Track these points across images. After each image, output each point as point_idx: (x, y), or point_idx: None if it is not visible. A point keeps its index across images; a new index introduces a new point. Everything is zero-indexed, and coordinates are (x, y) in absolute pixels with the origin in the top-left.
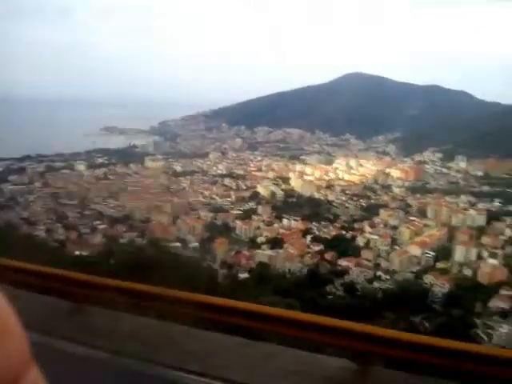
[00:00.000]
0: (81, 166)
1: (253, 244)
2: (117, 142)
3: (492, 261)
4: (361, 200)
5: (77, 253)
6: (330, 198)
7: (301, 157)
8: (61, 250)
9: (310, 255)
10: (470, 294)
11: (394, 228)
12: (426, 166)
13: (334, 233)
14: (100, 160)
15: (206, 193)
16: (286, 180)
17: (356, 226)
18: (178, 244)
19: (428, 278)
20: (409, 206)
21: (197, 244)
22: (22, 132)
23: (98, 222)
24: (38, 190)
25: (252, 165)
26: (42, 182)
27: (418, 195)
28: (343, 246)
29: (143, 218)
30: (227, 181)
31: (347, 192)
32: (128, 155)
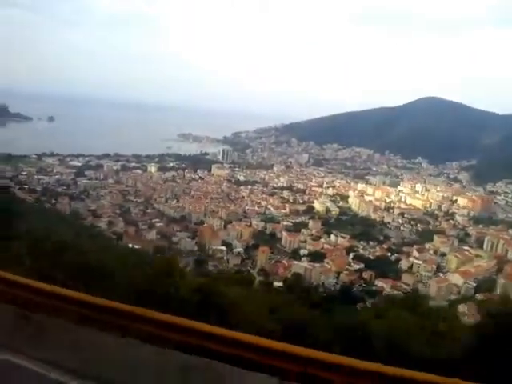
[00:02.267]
0: (152, 168)
1: (294, 255)
2: (190, 149)
3: None
4: (418, 224)
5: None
6: (386, 219)
7: (366, 176)
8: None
9: (347, 272)
10: None
11: (443, 255)
12: (498, 197)
13: (378, 253)
14: (171, 164)
15: (263, 203)
16: (344, 198)
17: (404, 249)
18: (224, 248)
19: (462, 308)
20: (467, 235)
21: (241, 249)
22: (103, 132)
23: (157, 220)
24: (110, 186)
25: (314, 180)
26: (114, 180)
27: (481, 225)
28: (384, 268)
29: (197, 221)
30: (285, 193)
31: (406, 215)
32: (198, 161)
